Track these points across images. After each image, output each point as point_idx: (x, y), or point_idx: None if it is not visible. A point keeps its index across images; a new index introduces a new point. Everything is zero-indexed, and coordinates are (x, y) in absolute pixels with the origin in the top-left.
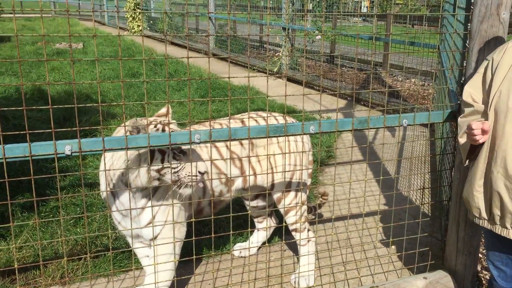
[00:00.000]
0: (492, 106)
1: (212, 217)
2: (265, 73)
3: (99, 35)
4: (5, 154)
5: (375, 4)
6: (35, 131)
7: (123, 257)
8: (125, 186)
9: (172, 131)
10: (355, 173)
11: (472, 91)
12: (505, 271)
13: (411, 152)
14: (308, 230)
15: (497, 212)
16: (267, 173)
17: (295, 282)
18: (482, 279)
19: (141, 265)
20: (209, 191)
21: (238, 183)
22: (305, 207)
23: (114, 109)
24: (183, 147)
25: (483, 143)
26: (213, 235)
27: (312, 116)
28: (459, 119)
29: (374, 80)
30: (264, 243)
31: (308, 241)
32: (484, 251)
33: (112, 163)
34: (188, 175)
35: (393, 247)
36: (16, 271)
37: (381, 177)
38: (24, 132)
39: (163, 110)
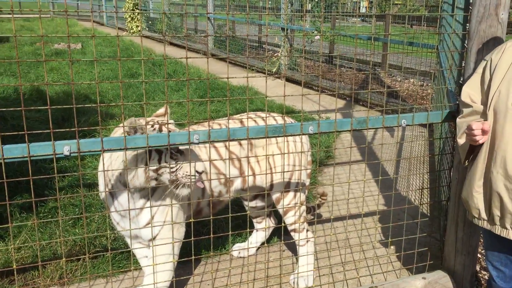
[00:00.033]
0: (491, 106)
1: (211, 217)
2: (264, 73)
3: (98, 35)
4: (4, 154)
5: (374, 4)
6: (34, 132)
7: (122, 257)
8: (124, 187)
9: (169, 131)
10: (354, 173)
11: (470, 92)
12: (504, 271)
13: (410, 152)
14: (307, 231)
15: (496, 212)
16: (266, 174)
17: (294, 282)
18: (481, 279)
19: (140, 265)
20: (208, 192)
21: (237, 184)
22: (304, 208)
23: (113, 109)
24: (181, 147)
25: (482, 143)
26: (212, 235)
27: (311, 116)
28: (457, 119)
29: (373, 81)
30: (263, 243)
31: (307, 241)
32: (483, 251)
33: (111, 163)
34: (186, 175)
35: (392, 247)
36: (15, 272)
37: (380, 177)
38: (23, 132)
39: (161, 110)
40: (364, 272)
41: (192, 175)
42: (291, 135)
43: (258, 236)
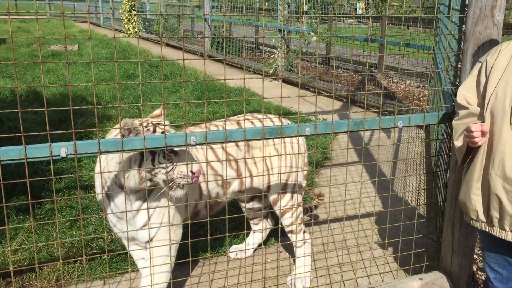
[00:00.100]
0: (488, 108)
1: (208, 219)
2: (261, 74)
3: (95, 37)
4: (0, 156)
5: (370, 5)
6: (30, 134)
7: (119, 259)
8: (119, 188)
9: (162, 131)
10: (350, 174)
11: (466, 94)
12: (502, 273)
13: (407, 153)
14: (304, 232)
15: (495, 214)
16: (263, 175)
17: (291, 283)
18: (478, 280)
19: (137, 267)
20: (205, 194)
21: (235, 186)
22: (301, 209)
23: (109, 111)
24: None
25: (480, 145)
26: (209, 237)
27: (308, 118)
28: (453, 121)
29: (369, 82)
30: (260, 245)
31: (304, 242)
32: (479, 252)
33: (107, 165)
34: (181, 175)
35: (389, 248)
36: (12, 274)
37: (377, 179)
38: (20, 134)
39: (157, 112)
40: (361, 273)
41: (187, 175)
42: (288, 137)
43: (255, 238)
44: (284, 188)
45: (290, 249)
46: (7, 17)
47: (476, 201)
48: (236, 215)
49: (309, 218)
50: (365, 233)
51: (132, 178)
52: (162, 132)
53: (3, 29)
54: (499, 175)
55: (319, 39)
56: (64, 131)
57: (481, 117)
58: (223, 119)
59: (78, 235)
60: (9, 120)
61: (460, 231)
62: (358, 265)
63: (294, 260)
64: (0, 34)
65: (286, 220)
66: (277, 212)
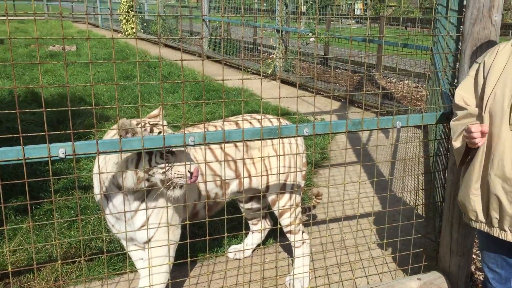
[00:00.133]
0: (487, 109)
1: (207, 219)
2: (259, 75)
3: (93, 37)
4: None
5: (369, 6)
6: (29, 134)
7: (117, 260)
8: (117, 189)
9: (159, 132)
10: (349, 174)
11: (464, 94)
12: (500, 273)
13: (405, 153)
14: (303, 232)
15: (495, 215)
16: (262, 175)
17: (289, 284)
18: (476, 280)
19: (135, 268)
20: (204, 194)
21: (234, 186)
22: (299, 209)
23: (108, 111)
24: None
25: (479, 146)
26: (207, 237)
27: (306, 118)
28: (451, 122)
29: (367, 82)
30: (258, 245)
31: (303, 242)
32: (477, 252)
33: (105, 165)
34: (178, 175)
35: (387, 248)
36: (10, 275)
37: (375, 179)
38: (18, 135)
39: (155, 112)
40: (359, 273)
41: (185, 175)
42: (286, 137)
43: (253, 238)
44: (282, 188)
45: (288, 249)
46: (5, 17)
47: (475, 202)
48: (234, 216)
49: (307, 218)
50: (364, 233)
51: (129, 179)
52: (159, 133)
53: (1, 29)
54: (498, 175)
55: (317, 40)
56: (63, 132)
57: (479, 118)
58: (222, 120)
59: (76, 236)
60: (7, 120)
61: (459, 231)
62: (357, 265)
63: (292, 260)
64: None
65: (284, 221)
66: (276, 213)
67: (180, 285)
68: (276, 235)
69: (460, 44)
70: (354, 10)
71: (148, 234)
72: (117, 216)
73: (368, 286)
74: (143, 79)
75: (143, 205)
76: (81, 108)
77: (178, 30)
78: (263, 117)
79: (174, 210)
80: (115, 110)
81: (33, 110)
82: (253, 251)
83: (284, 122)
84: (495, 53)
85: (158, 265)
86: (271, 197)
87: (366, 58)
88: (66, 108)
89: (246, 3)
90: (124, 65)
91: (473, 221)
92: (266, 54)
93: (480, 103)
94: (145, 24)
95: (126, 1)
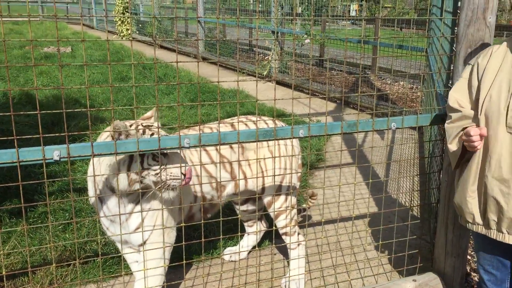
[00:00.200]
0: (482, 111)
1: (202, 221)
2: (255, 76)
3: (88, 39)
4: None
5: (364, 7)
6: (23, 137)
7: (112, 262)
8: (111, 191)
9: (152, 133)
10: (344, 176)
11: (458, 97)
12: (496, 275)
13: (400, 154)
14: (298, 234)
15: (492, 217)
16: (257, 177)
17: (285, 286)
18: (471, 281)
19: (131, 270)
20: (200, 197)
21: (230, 188)
22: (295, 211)
23: (103, 113)
24: None
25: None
26: (203, 239)
27: (302, 120)
28: (446, 125)
29: (363, 83)
30: (254, 247)
31: (298, 244)
32: (472, 253)
33: (99, 167)
34: (171, 177)
35: (382, 249)
36: (4, 278)
37: (371, 180)
38: (12, 137)
39: (148, 114)
40: (355, 275)
41: (178, 177)
42: (281, 139)
43: (249, 240)
44: (278, 190)
45: (284, 251)
46: None
47: (472, 204)
48: (230, 218)
49: (301, 219)
50: (359, 234)
51: (122, 181)
52: (151, 134)
53: None
54: (496, 177)
55: (313, 41)
56: (57, 134)
57: (475, 120)
58: (217, 121)
59: (71, 238)
60: (1, 123)
61: (454, 232)
62: (352, 267)
63: (288, 262)
64: None
65: (280, 222)
66: (271, 214)
67: None
68: (272, 237)
69: (454, 45)
70: (349, 11)
71: (143, 236)
72: (112, 219)
73: None
74: (138, 81)
75: (138, 208)
76: (76, 110)
77: (174, 31)
78: (258, 119)
79: (169, 212)
80: (110, 112)
81: (28, 112)
82: (248, 253)
83: (279, 123)
84: (489, 54)
85: (153, 267)
86: (266, 199)
87: (361, 59)
88: (61, 110)
89: (242, 4)
90: (119, 67)
91: (470, 224)
92: (261, 55)
93: (475, 105)
94: (140, 25)
95: (121, 3)
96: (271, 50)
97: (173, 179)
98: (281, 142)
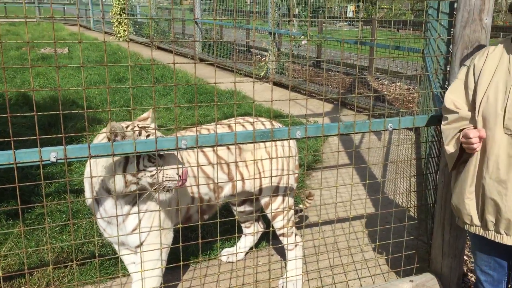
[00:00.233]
0: (480, 112)
1: (199, 222)
2: (252, 77)
3: (85, 40)
4: None
5: (361, 8)
6: (20, 138)
7: (109, 264)
8: (107, 193)
9: (147, 135)
10: (341, 177)
11: (454, 98)
12: (493, 275)
13: (397, 155)
14: (296, 235)
15: (490, 218)
16: (254, 178)
17: (283, 287)
18: (468, 281)
19: (128, 272)
20: (197, 197)
21: (227, 190)
22: (292, 212)
23: (100, 114)
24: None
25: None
26: (200, 240)
27: (299, 121)
28: (442, 126)
29: (360, 84)
30: (251, 248)
31: (296, 245)
32: (469, 254)
33: (95, 168)
34: (167, 178)
35: (380, 250)
36: (1, 280)
37: (368, 181)
38: (9, 139)
39: (144, 115)
40: (352, 276)
41: (174, 179)
42: (279, 140)
43: (246, 241)
44: (275, 191)
45: (281, 252)
46: None
47: (470, 206)
48: (227, 219)
49: (298, 219)
50: (356, 235)
51: (118, 182)
52: (147, 136)
53: None
54: (493, 178)
55: (310, 42)
56: (54, 135)
57: (472, 121)
58: (214, 123)
59: (68, 240)
60: None
61: (450, 233)
62: (349, 268)
63: (285, 263)
64: None
65: (277, 223)
66: (269, 215)
67: None
68: (269, 238)
69: (451, 46)
70: (346, 12)
71: (140, 238)
72: (108, 220)
73: None
74: (135, 82)
75: (134, 209)
76: (73, 111)
77: (171, 32)
78: (256, 120)
79: (166, 214)
80: (107, 113)
81: (25, 114)
82: (246, 254)
83: (276, 124)
84: (485, 55)
85: (151, 269)
86: (264, 200)
87: (358, 60)
88: (58, 112)
89: (239, 5)
90: (116, 68)
91: (467, 225)
92: (258, 56)
93: (472, 106)
94: (137, 26)
95: (118, 4)
96: (268, 51)
97: (169, 180)
98: (278, 143)
